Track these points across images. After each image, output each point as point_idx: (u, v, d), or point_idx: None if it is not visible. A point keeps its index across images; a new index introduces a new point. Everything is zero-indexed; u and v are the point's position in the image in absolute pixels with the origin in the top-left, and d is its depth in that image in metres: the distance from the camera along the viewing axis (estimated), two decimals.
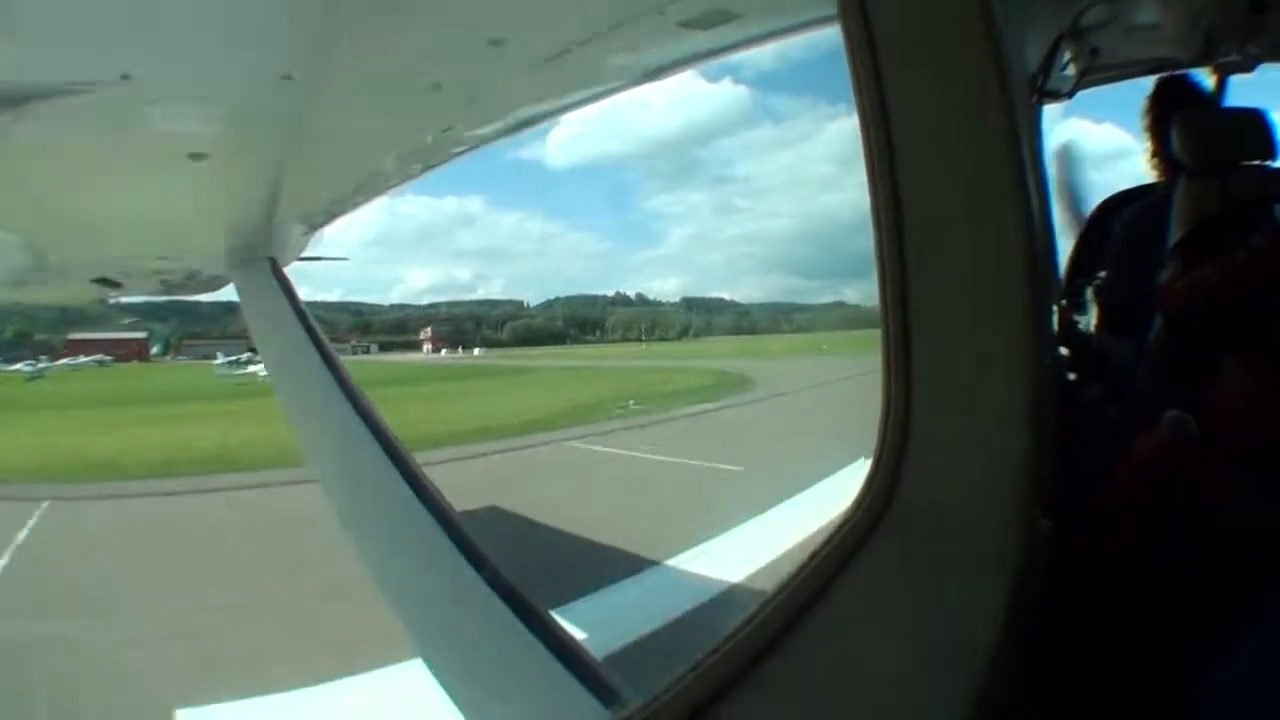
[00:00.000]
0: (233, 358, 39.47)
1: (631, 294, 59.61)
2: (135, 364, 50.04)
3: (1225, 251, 2.65)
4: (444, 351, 58.63)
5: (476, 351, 58.16)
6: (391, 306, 62.53)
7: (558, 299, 60.93)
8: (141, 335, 51.74)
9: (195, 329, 52.50)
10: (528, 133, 4.74)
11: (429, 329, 59.47)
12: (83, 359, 46.41)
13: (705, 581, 10.81)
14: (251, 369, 32.86)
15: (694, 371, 38.94)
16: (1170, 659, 2.09)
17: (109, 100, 3.12)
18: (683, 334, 58.24)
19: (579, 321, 60.54)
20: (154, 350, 52.96)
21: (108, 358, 48.12)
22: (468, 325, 60.25)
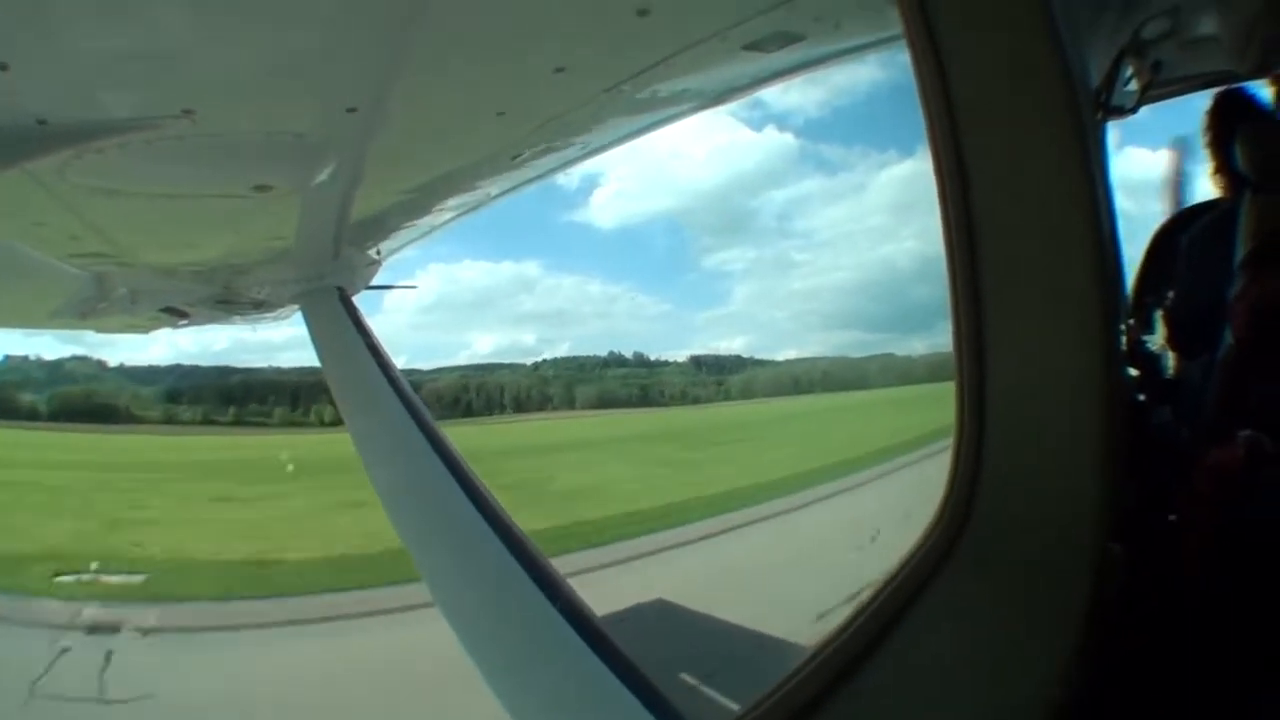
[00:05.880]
0: None
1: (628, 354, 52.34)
2: None
3: None
4: None
5: None
6: None
7: (544, 360, 52.91)
8: None
9: None
10: (587, 167, 4.80)
11: None
12: None
13: None
14: None
15: None
16: (1239, 681, 2.06)
17: (172, 134, 3.20)
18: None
19: None
20: None
21: None
22: None
